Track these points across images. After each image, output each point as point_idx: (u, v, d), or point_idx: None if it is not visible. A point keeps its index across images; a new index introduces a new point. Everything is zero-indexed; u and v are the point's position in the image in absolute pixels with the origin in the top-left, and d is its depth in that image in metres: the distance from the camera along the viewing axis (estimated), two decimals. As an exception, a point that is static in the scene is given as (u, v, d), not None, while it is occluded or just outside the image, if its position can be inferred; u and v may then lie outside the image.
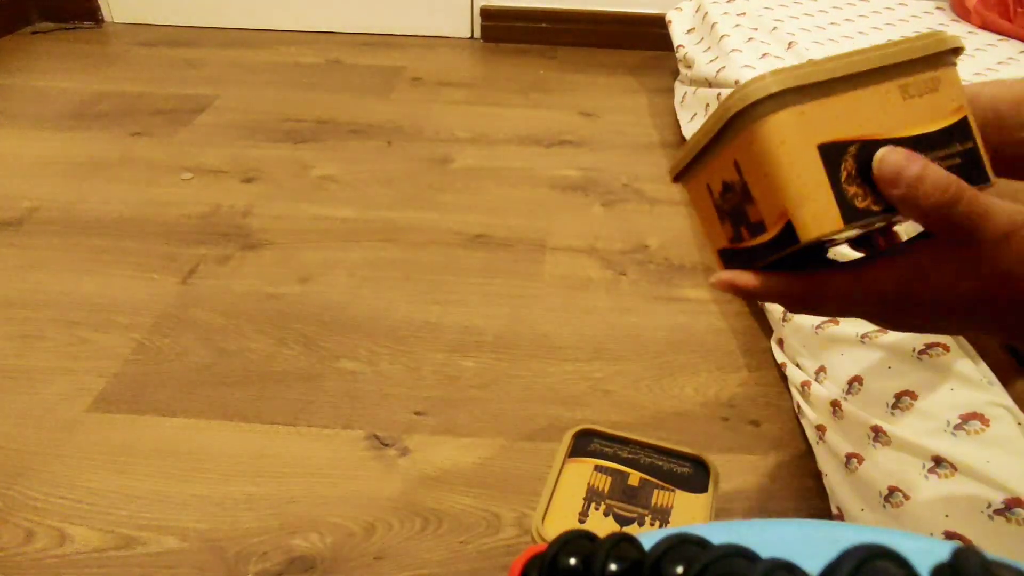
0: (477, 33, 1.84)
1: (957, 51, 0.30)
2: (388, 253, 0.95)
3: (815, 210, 0.29)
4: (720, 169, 0.32)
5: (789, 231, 0.30)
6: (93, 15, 1.81)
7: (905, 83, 0.29)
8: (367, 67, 1.62)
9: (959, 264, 0.29)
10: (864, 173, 0.29)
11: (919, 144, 0.29)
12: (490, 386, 0.74)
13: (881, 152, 0.28)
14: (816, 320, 0.68)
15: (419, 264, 0.93)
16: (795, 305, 0.33)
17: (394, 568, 0.56)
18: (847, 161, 0.29)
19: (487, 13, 1.80)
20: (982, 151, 0.31)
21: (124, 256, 0.92)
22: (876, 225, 0.31)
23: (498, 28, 1.82)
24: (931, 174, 0.27)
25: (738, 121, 0.29)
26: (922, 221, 0.28)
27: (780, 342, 0.76)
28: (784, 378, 0.75)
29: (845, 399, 0.61)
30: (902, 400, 0.55)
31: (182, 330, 0.80)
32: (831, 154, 0.29)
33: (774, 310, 0.76)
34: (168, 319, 0.81)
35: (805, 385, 0.67)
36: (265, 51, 1.68)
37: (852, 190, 0.29)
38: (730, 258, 0.35)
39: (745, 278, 0.33)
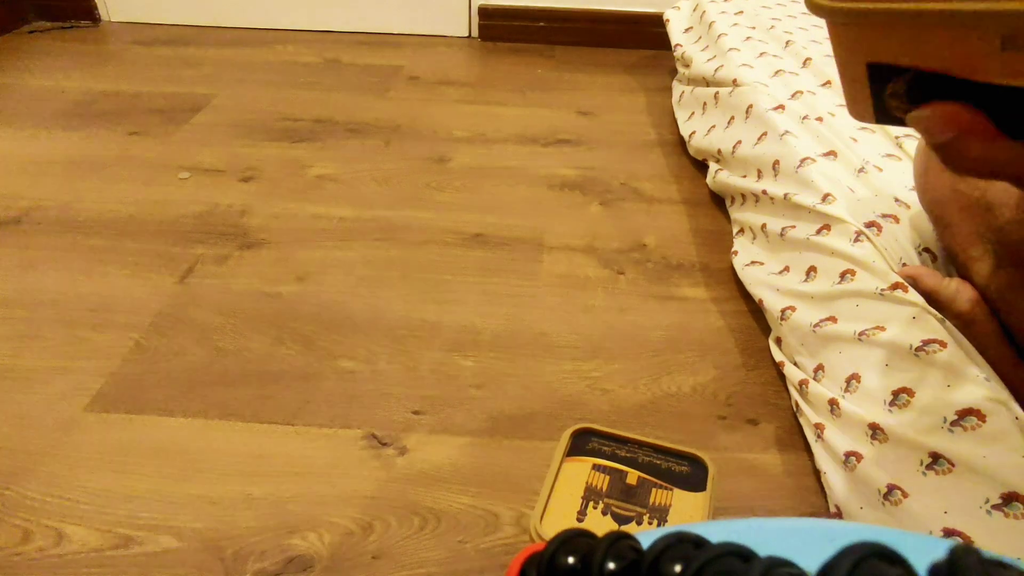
0: (475, 32, 1.84)
1: None
2: (386, 252, 0.95)
3: (855, 105, 0.30)
4: None
5: None
6: (90, 14, 1.81)
7: (1012, 34, 0.23)
8: (365, 66, 1.61)
9: None
10: (912, 94, 0.27)
11: (987, 93, 0.25)
12: (488, 385, 0.74)
13: (918, 113, 0.26)
14: (814, 319, 0.68)
15: (417, 263, 0.93)
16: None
17: (392, 567, 0.56)
18: (897, 82, 0.27)
19: (485, 12, 1.80)
20: None
21: (121, 255, 0.92)
22: None
23: (496, 27, 1.82)
24: (963, 147, 0.25)
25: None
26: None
27: (778, 341, 0.76)
28: (782, 377, 0.75)
29: (843, 397, 0.61)
30: (900, 397, 0.55)
31: (180, 329, 0.80)
32: (881, 73, 0.27)
33: (772, 309, 0.76)
34: (166, 318, 0.81)
35: (803, 384, 0.67)
36: (262, 50, 1.68)
37: (893, 103, 0.28)
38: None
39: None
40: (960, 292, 0.57)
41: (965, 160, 0.25)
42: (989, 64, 0.24)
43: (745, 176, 0.96)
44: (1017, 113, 0.25)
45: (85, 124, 1.27)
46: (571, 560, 0.19)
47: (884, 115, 0.29)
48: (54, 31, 1.74)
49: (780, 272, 0.78)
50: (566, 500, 0.58)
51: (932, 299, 0.59)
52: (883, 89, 0.28)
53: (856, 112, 0.31)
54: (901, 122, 0.29)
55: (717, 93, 1.12)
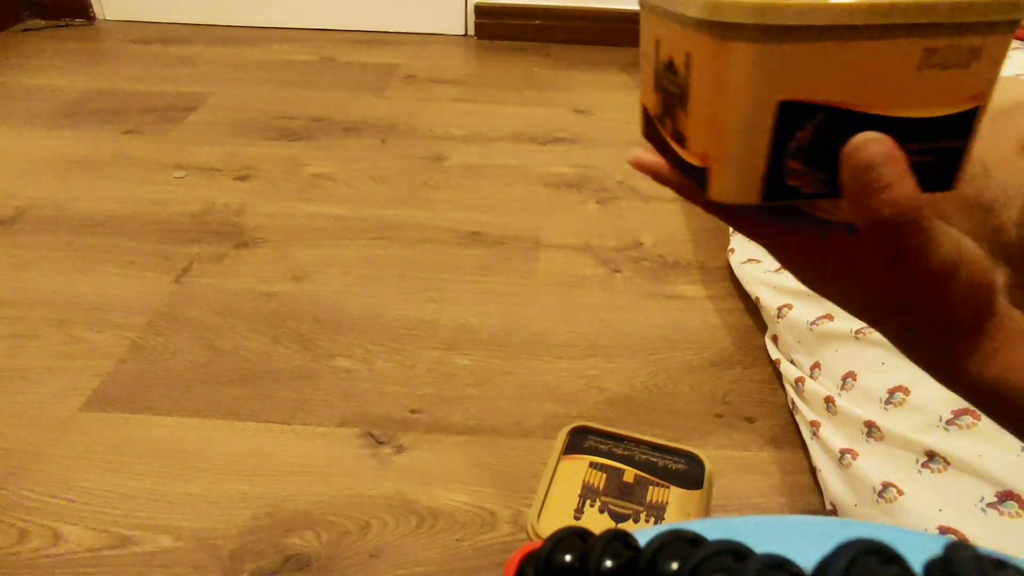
0: (471, 30, 1.84)
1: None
2: (382, 251, 0.95)
3: (736, 174, 0.24)
4: (673, 43, 0.25)
5: (702, 175, 0.25)
6: (85, 12, 1.80)
7: (934, 47, 0.22)
8: (361, 64, 1.61)
9: (884, 278, 0.26)
10: (817, 148, 0.24)
11: (900, 129, 0.23)
12: (485, 384, 0.74)
13: (863, 139, 0.23)
14: (811, 316, 0.68)
15: (414, 262, 0.93)
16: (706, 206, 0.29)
17: (390, 566, 0.56)
18: (805, 129, 0.23)
19: (481, 10, 1.80)
20: (966, 155, 0.25)
21: (117, 255, 0.92)
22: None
23: (492, 25, 1.81)
24: (900, 187, 0.23)
25: (700, 22, 0.22)
26: (860, 221, 0.24)
27: (774, 339, 0.77)
28: (778, 374, 0.75)
29: (839, 395, 0.61)
30: (895, 396, 0.55)
31: (176, 329, 0.80)
32: (791, 116, 0.23)
33: (769, 307, 0.76)
34: (162, 318, 0.81)
35: (799, 381, 0.68)
36: (258, 48, 1.68)
37: (791, 164, 0.24)
38: (650, 127, 0.30)
39: (668, 172, 0.28)
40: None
41: (894, 205, 0.23)
42: (906, 89, 0.23)
43: (741, 174, 0.96)
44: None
45: (80, 123, 1.27)
46: (568, 558, 0.19)
47: (774, 186, 0.24)
48: (48, 29, 1.73)
49: (777, 270, 0.78)
50: (563, 498, 0.58)
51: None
52: (786, 144, 0.23)
53: (736, 189, 0.24)
54: (791, 194, 0.25)
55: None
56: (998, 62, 0.23)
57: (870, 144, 0.23)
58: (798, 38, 0.22)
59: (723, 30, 0.22)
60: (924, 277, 0.25)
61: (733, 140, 0.24)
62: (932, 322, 0.27)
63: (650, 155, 0.29)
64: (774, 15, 0.21)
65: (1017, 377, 0.26)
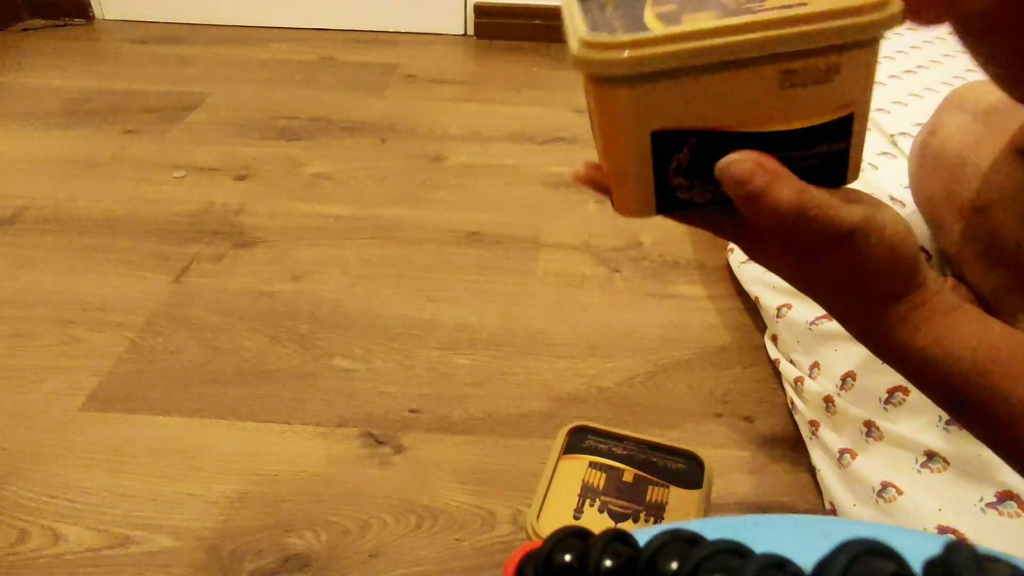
0: (471, 30, 1.83)
1: (886, 26, 0.23)
2: (382, 251, 0.95)
3: (630, 193, 0.27)
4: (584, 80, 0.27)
5: (609, 190, 0.28)
6: (84, 12, 1.80)
7: (791, 69, 0.24)
8: (360, 64, 1.61)
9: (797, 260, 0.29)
10: (698, 165, 0.26)
11: (776, 141, 0.25)
12: (484, 383, 0.74)
13: (727, 160, 0.25)
14: (810, 316, 0.68)
15: (413, 261, 0.93)
16: None
17: (389, 566, 0.56)
18: (682, 152, 0.25)
19: (480, 10, 1.80)
20: (853, 153, 0.27)
21: (116, 254, 0.92)
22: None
23: (492, 25, 1.81)
24: (774, 193, 0.24)
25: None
26: (753, 222, 0.26)
27: (774, 338, 0.77)
28: (778, 374, 0.75)
29: (838, 395, 0.61)
30: (895, 396, 0.55)
31: (175, 328, 0.80)
32: (666, 143, 0.25)
33: (768, 307, 0.76)
34: (161, 317, 0.81)
35: (798, 381, 0.68)
36: (257, 48, 1.68)
37: (677, 181, 0.26)
38: None
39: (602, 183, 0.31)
40: (954, 291, 0.58)
41: (775, 208, 0.25)
42: (772, 107, 0.24)
43: (741, 174, 0.96)
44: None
45: (79, 123, 1.27)
46: (568, 558, 0.19)
47: (666, 200, 0.27)
48: (48, 29, 1.73)
49: (776, 270, 0.78)
50: (563, 498, 0.58)
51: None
52: (667, 166, 0.26)
53: (633, 206, 0.27)
54: (685, 205, 0.27)
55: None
56: (865, 71, 0.24)
57: (733, 164, 0.25)
58: (659, 79, 0.24)
59: (594, 78, 0.24)
60: (828, 250, 0.26)
61: (619, 164, 0.26)
62: (853, 289, 0.28)
63: (587, 170, 0.31)
64: (633, 65, 0.23)
65: (943, 348, 0.28)
